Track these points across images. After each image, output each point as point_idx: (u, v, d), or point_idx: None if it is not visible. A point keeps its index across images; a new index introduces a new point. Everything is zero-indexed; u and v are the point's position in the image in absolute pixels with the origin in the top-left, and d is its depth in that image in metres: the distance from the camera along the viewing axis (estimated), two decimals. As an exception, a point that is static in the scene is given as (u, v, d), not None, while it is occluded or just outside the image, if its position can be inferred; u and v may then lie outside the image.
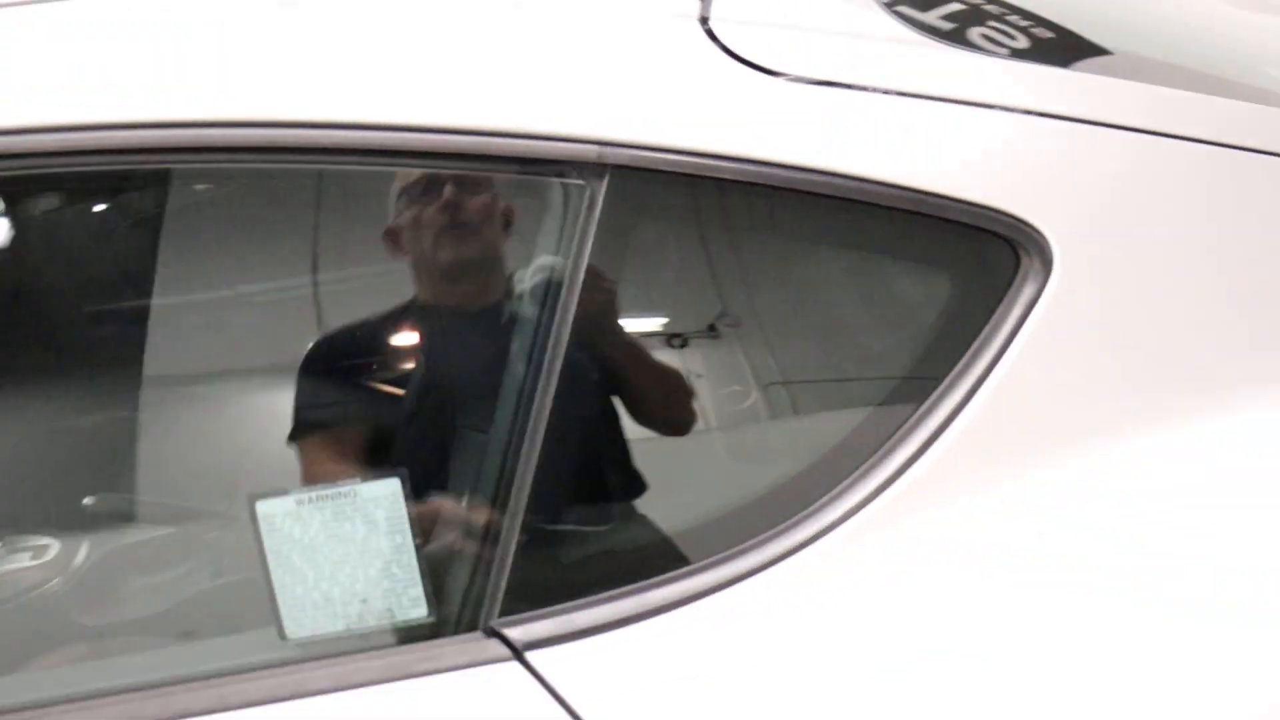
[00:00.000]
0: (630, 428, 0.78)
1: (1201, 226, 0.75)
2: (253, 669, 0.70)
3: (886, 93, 0.74)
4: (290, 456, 0.82)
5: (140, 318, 0.91)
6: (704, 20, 0.76)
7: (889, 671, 0.68)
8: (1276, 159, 0.74)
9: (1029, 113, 0.74)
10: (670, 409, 0.82)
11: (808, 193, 0.73)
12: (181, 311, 0.95)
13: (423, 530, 0.72)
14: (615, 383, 0.78)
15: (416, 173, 0.81)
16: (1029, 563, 0.71)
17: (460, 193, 0.81)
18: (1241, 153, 0.74)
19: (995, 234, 0.73)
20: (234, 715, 0.69)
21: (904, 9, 0.84)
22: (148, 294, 0.91)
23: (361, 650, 0.72)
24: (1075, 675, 0.68)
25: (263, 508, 0.70)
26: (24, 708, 0.69)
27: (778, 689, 0.68)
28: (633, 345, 0.80)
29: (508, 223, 0.82)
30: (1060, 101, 0.74)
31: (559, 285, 0.72)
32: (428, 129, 0.70)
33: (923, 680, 0.68)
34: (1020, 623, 0.70)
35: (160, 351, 0.90)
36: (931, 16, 0.84)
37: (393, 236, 0.84)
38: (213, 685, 0.69)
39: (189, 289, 0.95)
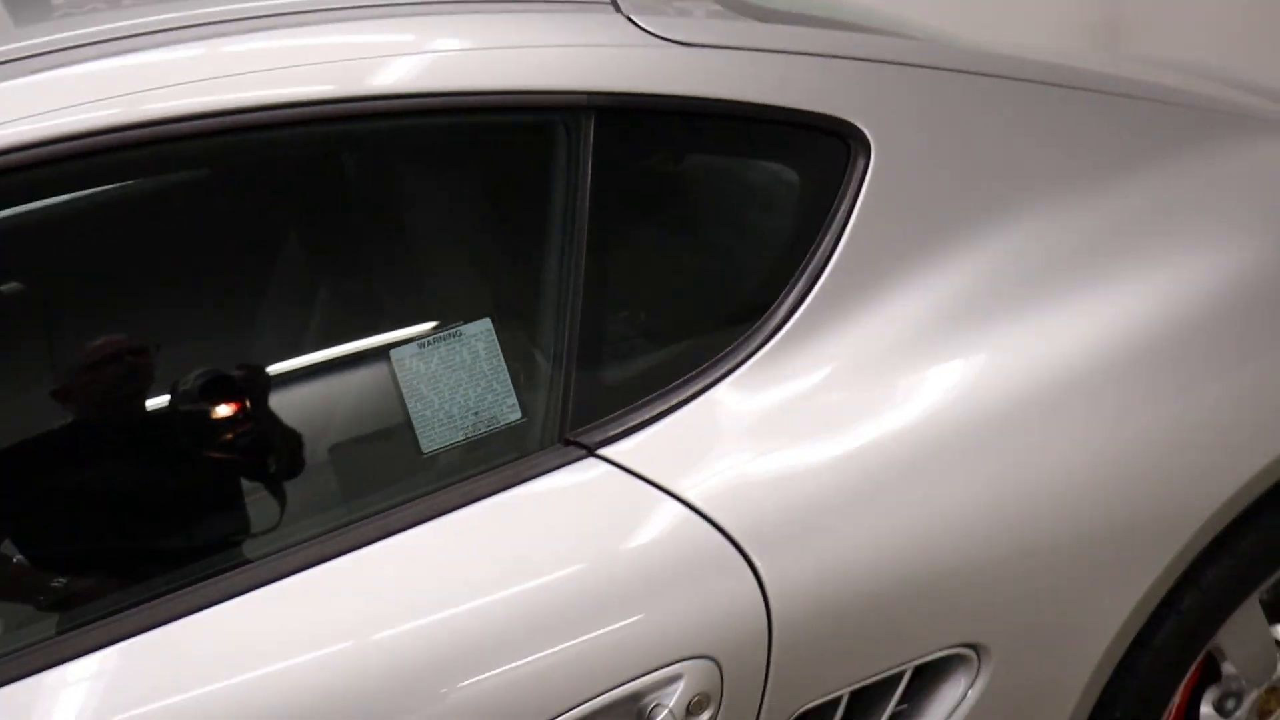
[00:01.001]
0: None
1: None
2: (403, 500, 0.95)
3: (749, 49, 1.12)
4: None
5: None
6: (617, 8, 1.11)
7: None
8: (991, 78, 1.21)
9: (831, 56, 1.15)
10: None
11: (709, 115, 1.08)
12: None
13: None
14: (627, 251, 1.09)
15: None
16: (889, 370, 1.09)
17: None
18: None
19: (828, 131, 1.12)
20: (398, 538, 0.93)
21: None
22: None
23: (480, 472, 0.98)
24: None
25: (396, 354, 0.96)
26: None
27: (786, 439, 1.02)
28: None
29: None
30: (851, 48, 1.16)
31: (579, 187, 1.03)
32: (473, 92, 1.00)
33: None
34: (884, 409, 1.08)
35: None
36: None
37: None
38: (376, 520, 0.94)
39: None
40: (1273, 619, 1.36)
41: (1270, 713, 1.41)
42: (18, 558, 1.00)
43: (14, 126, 0.85)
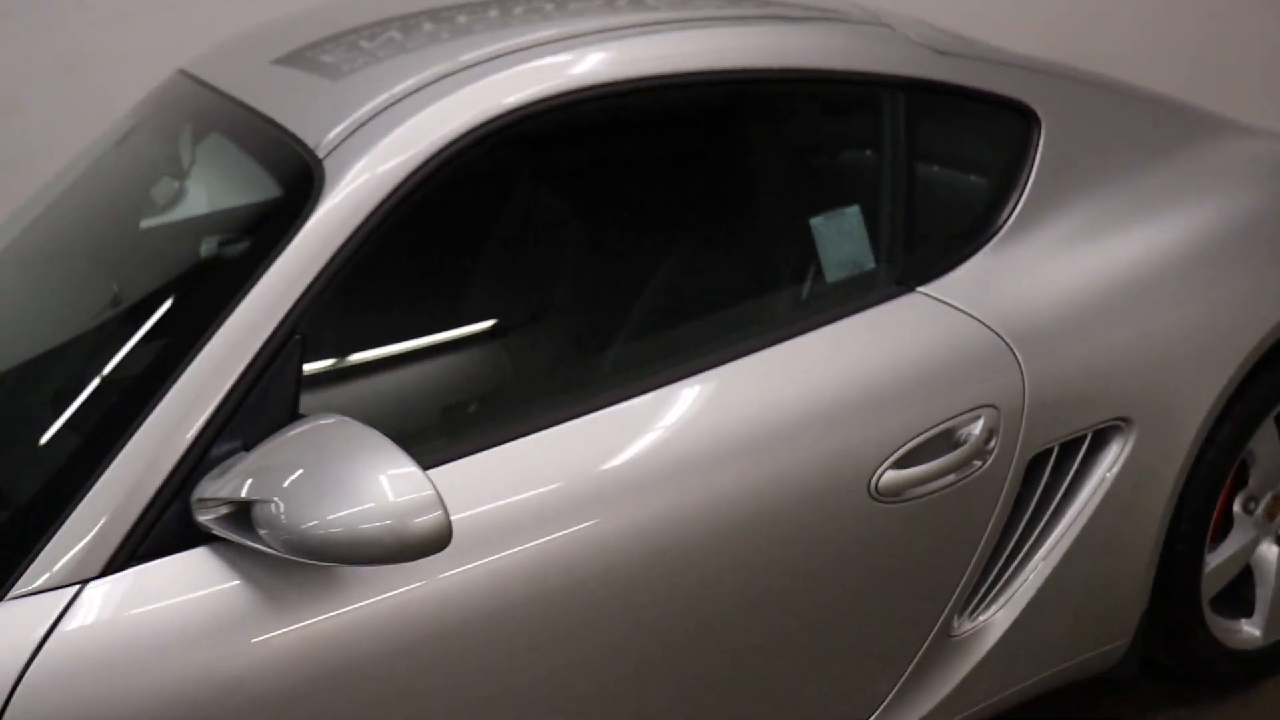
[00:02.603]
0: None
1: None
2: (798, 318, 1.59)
3: (974, 58, 1.82)
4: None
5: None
6: (893, 29, 1.81)
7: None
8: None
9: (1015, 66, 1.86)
10: None
11: (961, 95, 1.77)
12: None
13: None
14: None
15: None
16: (1073, 243, 1.79)
17: None
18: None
19: (1018, 109, 1.82)
20: (793, 341, 1.57)
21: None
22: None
23: (844, 315, 1.61)
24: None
25: (814, 221, 1.60)
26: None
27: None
28: None
29: None
30: (1024, 62, 1.88)
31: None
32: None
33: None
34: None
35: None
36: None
37: None
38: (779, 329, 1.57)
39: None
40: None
41: (1275, 515, 2.11)
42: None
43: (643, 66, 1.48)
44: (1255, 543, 2.09)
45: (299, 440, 1.18)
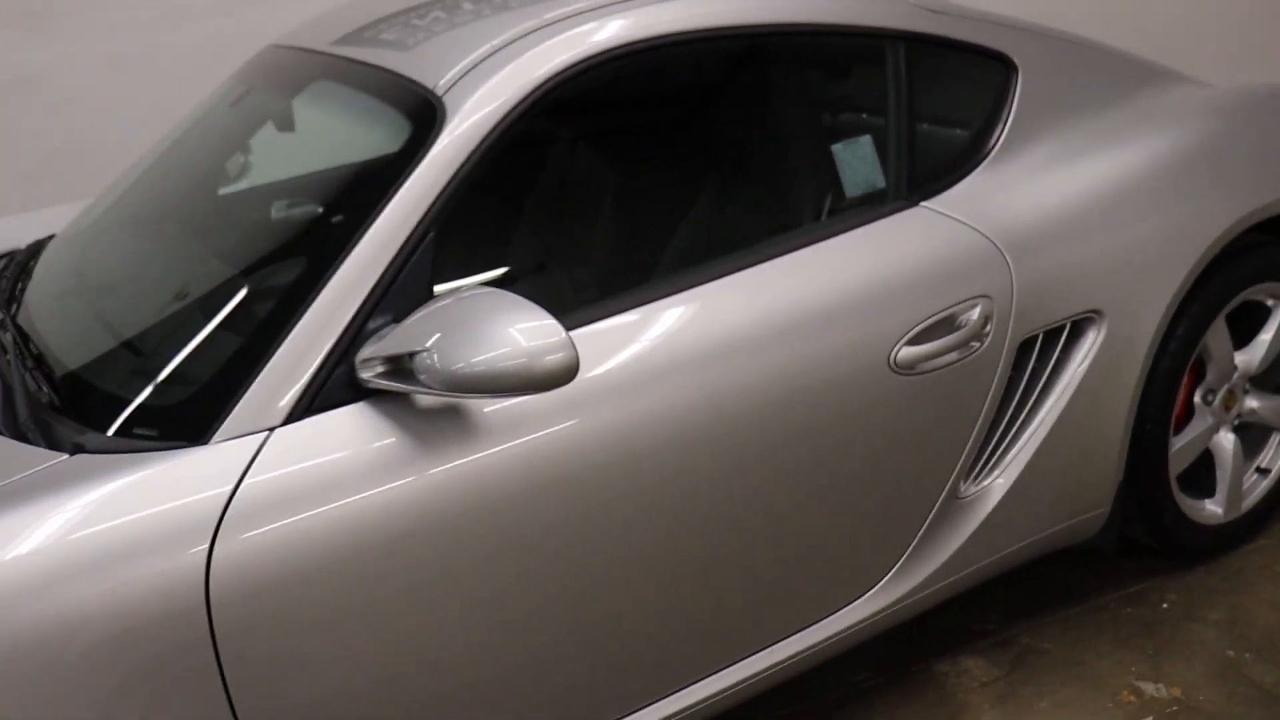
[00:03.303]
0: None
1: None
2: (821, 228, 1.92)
3: (964, 17, 2.16)
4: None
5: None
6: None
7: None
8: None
9: (997, 23, 2.20)
10: None
11: (954, 47, 2.11)
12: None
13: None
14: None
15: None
16: (1055, 165, 2.13)
17: None
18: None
19: (999, 58, 2.16)
20: (816, 245, 1.89)
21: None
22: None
23: (862, 225, 1.94)
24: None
25: (835, 147, 1.93)
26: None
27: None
28: None
29: None
30: (1003, 20, 2.22)
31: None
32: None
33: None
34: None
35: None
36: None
37: None
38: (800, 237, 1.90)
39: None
40: (1236, 344, 2.40)
41: (1231, 406, 2.44)
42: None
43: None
44: (1214, 430, 2.42)
45: (444, 308, 1.48)
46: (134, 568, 1.35)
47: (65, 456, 1.46)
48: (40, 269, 2.07)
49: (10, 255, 2.24)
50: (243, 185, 1.96)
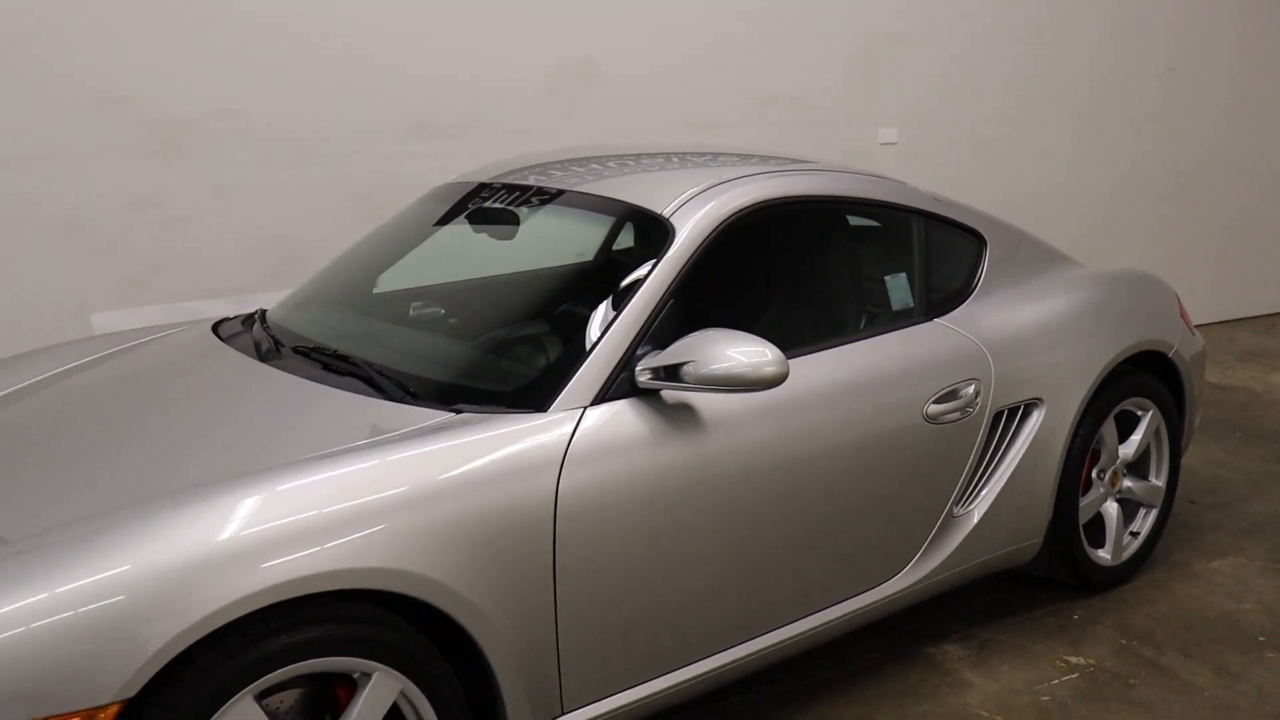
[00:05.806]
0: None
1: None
2: (868, 330, 3.02)
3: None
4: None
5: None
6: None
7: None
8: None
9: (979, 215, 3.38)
10: None
11: (947, 224, 3.27)
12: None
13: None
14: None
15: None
16: (1009, 305, 3.29)
17: None
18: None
19: (973, 234, 3.33)
20: (864, 341, 2.98)
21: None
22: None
23: (900, 329, 3.04)
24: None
25: (886, 278, 3.03)
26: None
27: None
28: None
29: None
30: (982, 211, 3.40)
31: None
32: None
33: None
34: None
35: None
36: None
37: None
38: (853, 336, 3.00)
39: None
40: (1120, 435, 3.55)
41: (1115, 483, 3.57)
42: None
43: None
44: (1104, 498, 3.54)
45: (698, 337, 2.45)
46: (507, 487, 2.20)
47: (453, 414, 2.34)
48: (309, 323, 2.98)
49: (229, 320, 3.16)
50: (545, 265, 2.98)
